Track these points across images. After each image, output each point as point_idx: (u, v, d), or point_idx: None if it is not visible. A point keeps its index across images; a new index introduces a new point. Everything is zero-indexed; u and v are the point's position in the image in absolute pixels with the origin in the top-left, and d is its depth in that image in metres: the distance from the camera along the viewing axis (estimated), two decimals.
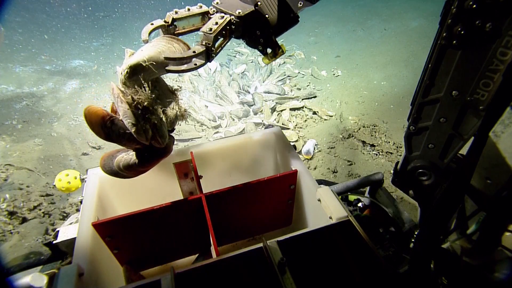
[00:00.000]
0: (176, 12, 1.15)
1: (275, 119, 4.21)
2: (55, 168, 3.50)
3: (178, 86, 1.27)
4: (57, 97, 4.79)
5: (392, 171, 1.34)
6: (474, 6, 0.83)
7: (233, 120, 4.22)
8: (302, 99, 4.60)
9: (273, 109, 4.39)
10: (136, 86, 1.04)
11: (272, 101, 4.50)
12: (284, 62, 5.61)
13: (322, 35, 6.63)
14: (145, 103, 1.05)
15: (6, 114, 4.30)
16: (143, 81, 1.04)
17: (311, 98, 4.67)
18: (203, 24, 1.17)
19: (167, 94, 1.21)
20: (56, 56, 5.93)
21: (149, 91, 1.05)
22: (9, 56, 5.68)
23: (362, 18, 7.16)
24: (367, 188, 2.21)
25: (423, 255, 1.21)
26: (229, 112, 4.30)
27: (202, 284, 1.08)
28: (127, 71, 1.01)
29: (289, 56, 5.82)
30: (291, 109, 4.38)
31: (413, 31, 6.41)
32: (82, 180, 1.64)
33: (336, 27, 6.91)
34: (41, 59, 5.79)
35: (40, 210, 2.99)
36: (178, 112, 1.23)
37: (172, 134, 1.28)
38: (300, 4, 1.16)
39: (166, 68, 1.05)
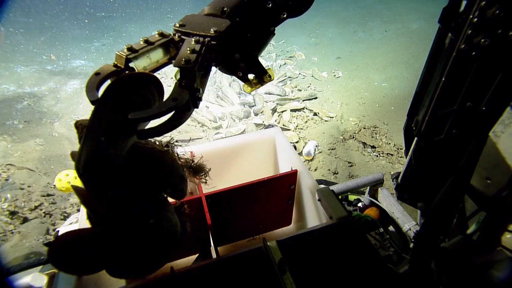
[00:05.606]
0: (129, 49, 0.79)
1: (275, 120, 4.21)
2: (56, 168, 3.51)
3: (166, 141, 0.90)
4: (58, 97, 4.80)
5: (391, 174, 1.33)
6: (502, 14, 0.76)
7: (234, 121, 4.22)
8: (303, 100, 4.61)
9: (273, 110, 4.39)
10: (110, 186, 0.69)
11: (273, 102, 4.51)
12: (285, 63, 5.61)
13: (323, 36, 6.64)
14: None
15: (7, 114, 4.31)
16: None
17: (312, 99, 4.67)
18: (170, 58, 0.87)
19: (156, 158, 0.86)
20: (57, 56, 5.95)
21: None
22: (11, 56, 5.70)
23: (363, 20, 7.17)
24: (367, 188, 2.22)
25: (423, 255, 1.21)
26: (230, 112, 4.31)
27: (202, 284, 1.08)
28: (83, 179, 0.66)
29: (290, 57, 5.82)
30: (291, 110, 4.38)
31: (414, 33, 6.41)
32: None
33: (337, 29, 6.91)
34: (42, 59, 5.81)
35: (41, 210, 3.00)
36: (186, 176, 0.92)
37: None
38: (284, 15, 0.96)
39: (138, 135, 0.70)
